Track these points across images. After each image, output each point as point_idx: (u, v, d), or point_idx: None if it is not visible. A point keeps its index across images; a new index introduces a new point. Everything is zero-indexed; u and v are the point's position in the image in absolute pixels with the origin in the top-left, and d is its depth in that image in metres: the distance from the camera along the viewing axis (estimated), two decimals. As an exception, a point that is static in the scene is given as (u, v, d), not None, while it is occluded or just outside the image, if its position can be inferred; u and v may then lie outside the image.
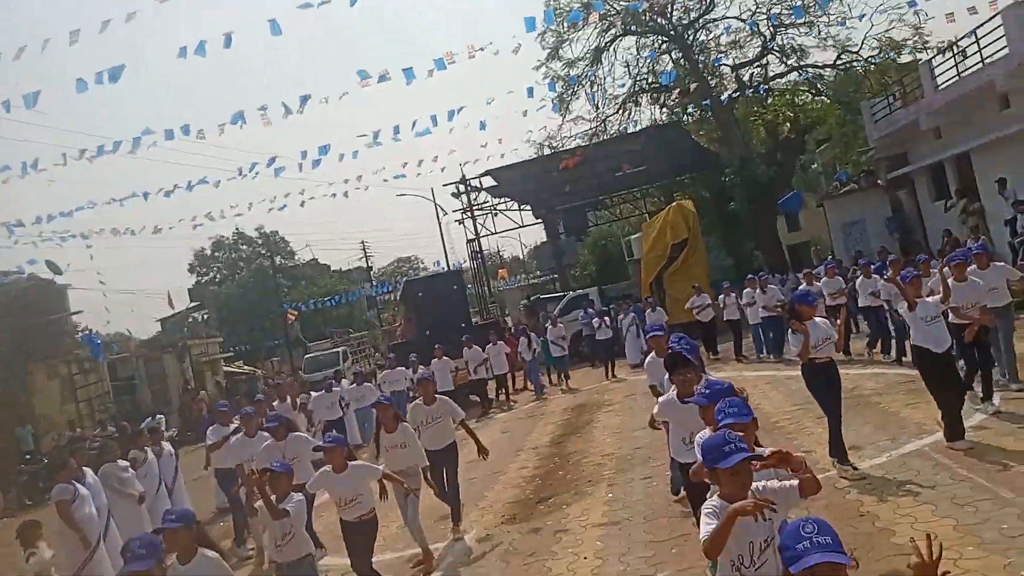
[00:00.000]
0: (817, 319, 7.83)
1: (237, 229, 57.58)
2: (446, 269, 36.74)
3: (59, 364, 26.67)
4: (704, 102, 28.10)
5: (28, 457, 20.49)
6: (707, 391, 4.76)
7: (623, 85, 30.30)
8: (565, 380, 19.13)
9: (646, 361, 8.35)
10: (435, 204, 43.87)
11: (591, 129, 31.29)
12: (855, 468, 7.55)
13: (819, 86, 29.96)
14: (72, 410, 25.47)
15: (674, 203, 24.95)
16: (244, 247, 59.13)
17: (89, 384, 27.61)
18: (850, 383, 11.55)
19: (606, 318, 20.72)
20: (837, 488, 7.23)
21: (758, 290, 15.92)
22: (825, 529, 2.77)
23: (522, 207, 34.17)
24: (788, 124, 29.64)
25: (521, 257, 69.49)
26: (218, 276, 58.70)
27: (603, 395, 16.78)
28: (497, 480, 10.91)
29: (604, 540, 7.34)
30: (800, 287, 8.61)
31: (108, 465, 9.90)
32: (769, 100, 30.22)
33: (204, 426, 12.05)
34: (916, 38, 27.43)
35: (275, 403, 13.68)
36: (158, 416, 12.53)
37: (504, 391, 18.98)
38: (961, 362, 8.67)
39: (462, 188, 29.62)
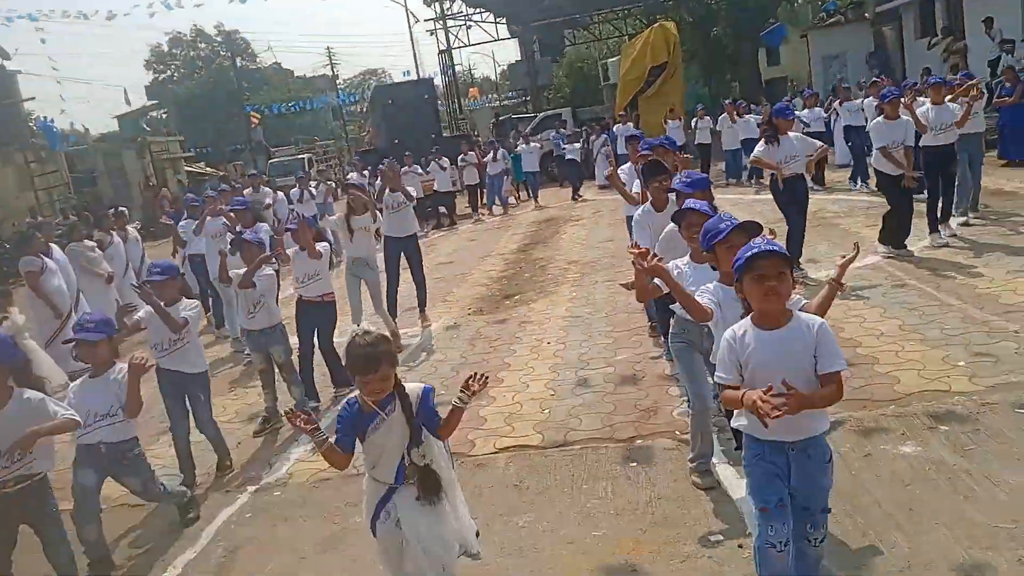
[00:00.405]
0: (791, 134, 7.93)
1: (195, 26, 54.48)
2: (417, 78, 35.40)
3: (13, 152, 25.78)
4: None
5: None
6: (688, 179, 4.75)
7: None
8: (534, 199, 19.14)
9: (622, 168, 8.31)
10: (406, 9, 41.18)
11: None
12: (806, 274, 7.93)
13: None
14: (31, 198, 24.89)
15: (656, 24, 24.10)
16: (203, 45, 56.17)
17: (47, 173, 26.86)
18: (814, 206, 11.77)
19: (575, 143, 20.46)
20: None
21: (734, 116, 15.76)
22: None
23: (498, 20, 32.69)
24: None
25: (493, 78, 67.22)
26: (176, 75, 56.09)
27: (570, 212, 16.92)
28: (464, 280, 11.16)
29: (566, 330, 7.67)
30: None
31: (75, 244, 9.85)
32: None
33: (177, 219, 11.92)
34: None
35: (246, 191, 13.51)
36: (121, 208, 12.33)
37: (473, 202, 18.96)
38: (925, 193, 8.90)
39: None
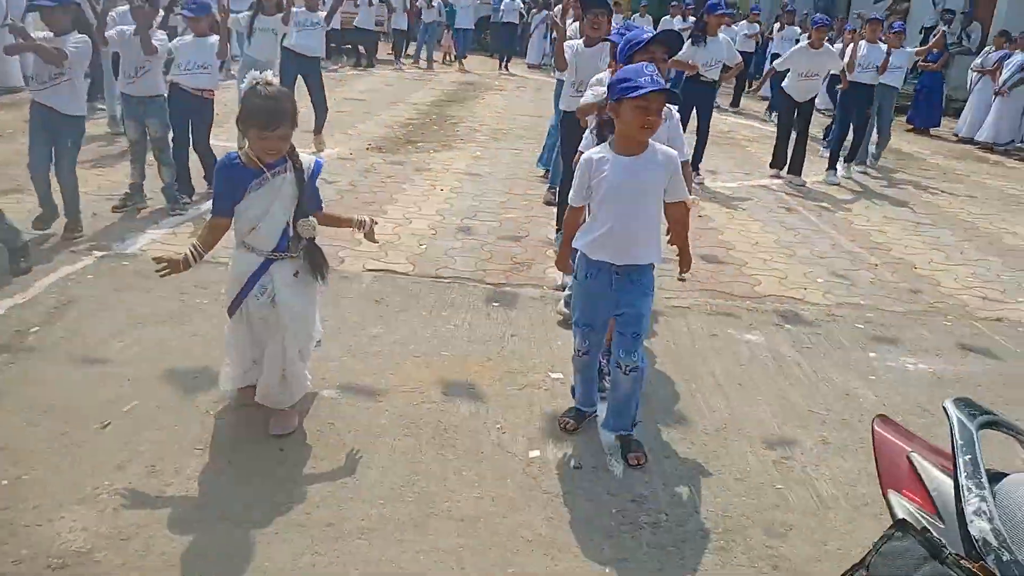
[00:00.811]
0: (720, 36, 7.92)
1: None
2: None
3: None
4: None
5: None
6: (624, 30, 4.57)
7: None
8: (459, 60, 18.45)
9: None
10: None
11: None
12: (703, 181, 8.13)
13: None
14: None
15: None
16: None
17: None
18: (727, 127, 12.01)
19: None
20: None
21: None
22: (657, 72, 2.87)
23: None
24: None
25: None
26: None
27: (494, 81, 16.49)
28: (369, 119, 10.74)
29: (462, 182, 7.55)
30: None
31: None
32: None
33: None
34: None
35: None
36: None
37: (397, 50, 18.07)
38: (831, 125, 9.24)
39: None
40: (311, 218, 2.96)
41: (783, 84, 8.59)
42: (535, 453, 3.16)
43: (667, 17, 16.03)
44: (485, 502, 2.83)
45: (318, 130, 8.49)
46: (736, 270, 5.56)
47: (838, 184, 8.72)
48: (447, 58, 19.34)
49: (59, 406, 3.19)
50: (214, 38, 6.03)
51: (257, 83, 2.80)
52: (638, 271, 3.03)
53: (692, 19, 15.43)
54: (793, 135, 8.61)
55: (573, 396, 3.42)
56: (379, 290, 4.69)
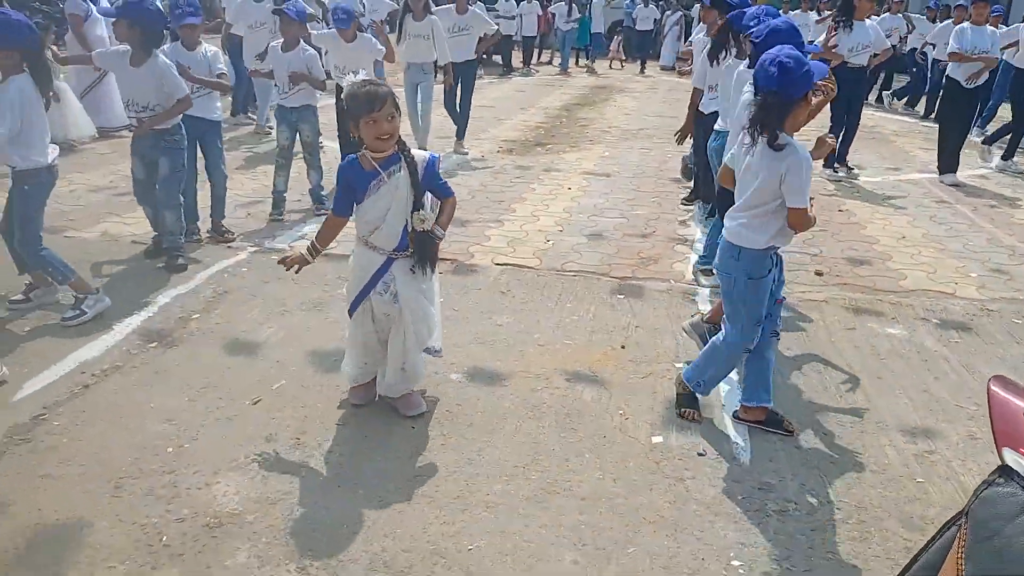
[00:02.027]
0: (867, 22, 7.50)
1: None
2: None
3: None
4: None
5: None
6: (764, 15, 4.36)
7: None
8: (591, 61, 18.47)
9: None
10: None
11: None
12: (857, 176, 7.80)
13: None
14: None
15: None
16: None
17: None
18: (871, 122, 11.39)
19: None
20: (826, 188, 7.41)
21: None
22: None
23: None
24: None
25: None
26: None
27: (626, 83, 16.41)
28: (501, 124, 10.96)
29: (590, 181, 7.58)
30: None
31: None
32: None
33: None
34: None
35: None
36: None
37: (527, 56, 18.35)
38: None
39: None
40: (424, 211, 3.03)
41: (948, 73, 7.91)
42: (658, 439, 3.15)
43: (799, 11, 15.36)
44: (607, 483, 2.85)
45: (460, 136, 8.73)
46: (880, 266, 5.29)
47: (1006, 168, 8.16)
48: (612, 64, 19.39)
49: (216, 384, 3.48)
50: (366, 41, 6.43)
51: (352, 83, 2.94)
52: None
53: (826, 13, 14.81)
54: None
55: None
56: (506, 282, 4.80)
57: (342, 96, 3.00)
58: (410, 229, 3.05)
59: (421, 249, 3.06)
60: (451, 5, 8.43)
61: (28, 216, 3.95)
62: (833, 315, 4.42)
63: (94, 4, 8.66)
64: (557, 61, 18.16)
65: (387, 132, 2.93)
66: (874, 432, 3.23)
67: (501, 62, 17.75)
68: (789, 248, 5.40)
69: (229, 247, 5.28)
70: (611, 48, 19.08)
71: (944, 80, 8.04)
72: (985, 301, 4.69)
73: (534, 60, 18.31)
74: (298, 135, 6.07)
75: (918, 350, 3.99)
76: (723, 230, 3.10)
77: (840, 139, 7.67)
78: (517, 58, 18.49)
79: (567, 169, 8.13)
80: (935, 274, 5.14)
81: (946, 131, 7.91)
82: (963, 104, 7.81)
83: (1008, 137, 8.46)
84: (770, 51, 2.84)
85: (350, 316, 3.23)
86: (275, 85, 6.09)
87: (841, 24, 7.35)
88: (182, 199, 5.02)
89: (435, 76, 8.12)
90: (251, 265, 4.98)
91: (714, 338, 3.25)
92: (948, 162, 7.83)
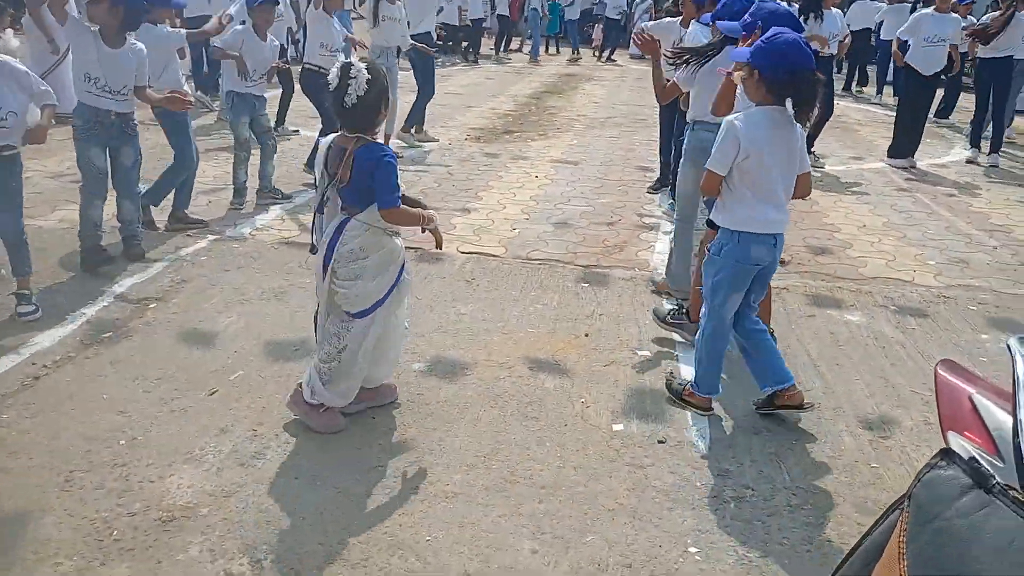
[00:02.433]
0: (833, 10, 7.59)
1: None
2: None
3: None
4: None
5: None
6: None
7: None
8: (573, 51, 18.39)
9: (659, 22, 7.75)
10: None
11: None
12: (823, 164, 7.92)
13: None
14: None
15: None
16: None
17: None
18: (836, 111, 11.49)
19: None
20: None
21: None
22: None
23: None
24: None
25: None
26: None
27: (594, 71, 16.40)
28: (469, 111, 10.90)
29: (556, 169, 7.57)
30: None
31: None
32: None
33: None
34: None
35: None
36: None
37: (499, 43, 18.26)
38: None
39: None
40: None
41: (906, 57, 8.05)
42: (619, 427, 3.15)
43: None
44: (567, 471, 2.85)
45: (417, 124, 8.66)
46: (841, 254, 5.35)
47: (975, 161, 8.33)
48: (596, 53, 19.31)
49: (172, 375, 3.42)
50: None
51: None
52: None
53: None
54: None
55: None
56: (471, 271, 4.78)
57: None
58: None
59: None
60: None
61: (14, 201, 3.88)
62: (794, 303, 4.46)
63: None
64: (527, 49, 18.08)
65: None
66: (831, 418, 3.27)
67: (469, 47, 17.65)
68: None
69: (188, 235, 5.19)
70: (594, 36, 19.06)
71: (904, 68, 8.16)
72: (942, 288, 4.77)
73: (502, 48, 18.22)
74: (257, 123, 5.95)
75: (876, 337, 4.04)
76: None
77: (810, 127, 7.75)
78: (487, 45, 18.41)
79: (535, 157, 8.11)
80: (894, 262, 5.21)
81: (901, 116, 8.10)
82: (919, 91, 7.94)
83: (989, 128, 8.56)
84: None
85: (371, 317, 2.98)
86: (239, 72, 5.78)
87: (812, 15, 7.39)
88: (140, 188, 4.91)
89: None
90: (211, 253, 4.90)
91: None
92: (899, 147, 8.07)
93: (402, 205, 2.90)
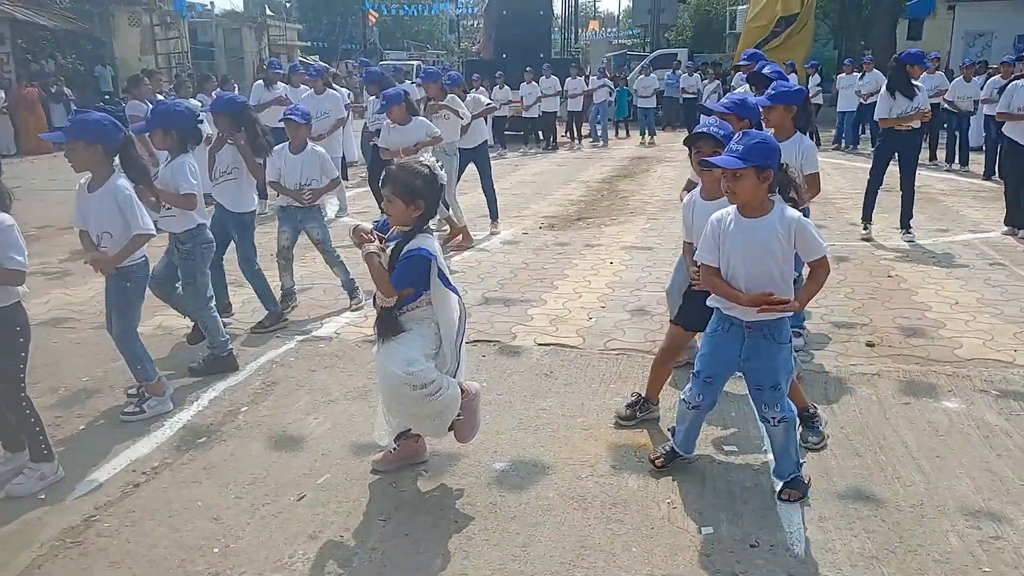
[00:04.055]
0: (916, 82, 7.51)
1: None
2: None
3: (141, 13, 26.83)
4: None
5: (107, 96, 21.22)
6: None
7: None
8: (650, 136, 18.64)
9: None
10: None
11: None
12: (914, 238, 7.80)
13: None
14: (151, 61, 25.85)
15: (794, -28, 22.82)
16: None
17: (169, 39, 27.93)
18: (919, 182, 11.20)
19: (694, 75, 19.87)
20: (874, 254, 7.29)
21: (858, 74, 14.86)
22: (750, 137, 2.99)
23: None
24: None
25: (617, 14, 65.36)
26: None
27: (665, 152, 16.55)
28: (542, 198, 11.11)
29: (631, 254, 7.59)
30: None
31: (180, 99, 10.23)
32: None
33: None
34: None
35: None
36: (226, 74, 12.99)
37: (573, 130, 18.71)
38: None
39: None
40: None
41: (1005, 131, 7.91)
42: (708, 530, 3.06)
43: (843, 76, 15.44)
44: (655, 579, 2.77)
45: (493, 217, 8.82)
46: (933, 334, 5.13)
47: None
48: (616, 134, 19.73)
49: (263, 479, 3.51)
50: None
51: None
52: (771, 324, 3.10)
53: (874, 73, 14.77)
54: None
55: (672, 437, 3.55)
56: (549, 364, 4.79)
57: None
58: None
59: (380, 325, 3.25)
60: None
61: (127, 310, 4.08)
62: (887, 389, 4.29)
63: (151, 105, 9.14)
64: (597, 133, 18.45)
65: (386, 211, 3.19)
66: (935, 516, 3.09)
67: (543, 137, 18.10)
68: (839, 318, 5.38)
69: (278, 337, 5.38)
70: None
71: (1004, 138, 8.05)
72: (1048, 369, 4.51)
73: (574, 134, 18.66)
74: (307, 236, 5.92)
75: (978, 425, 3.83)
76: None
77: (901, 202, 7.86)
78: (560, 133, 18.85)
79: (608, 243, 8.16)
80: (992, 341, 4.97)
81: (1011, 186, 7.95)
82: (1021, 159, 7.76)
83: None
84: None
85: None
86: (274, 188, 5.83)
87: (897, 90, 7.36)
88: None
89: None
90: (299, 355, 5.07)
91: None
92: (1015, 216, 7.85)
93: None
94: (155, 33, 27.14)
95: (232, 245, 5.51)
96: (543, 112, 17.49)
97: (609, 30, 52.63)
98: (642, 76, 19.25)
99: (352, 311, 5.93)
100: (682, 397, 3.38)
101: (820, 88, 16.63)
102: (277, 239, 5.91)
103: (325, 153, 5.93)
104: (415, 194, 3.10)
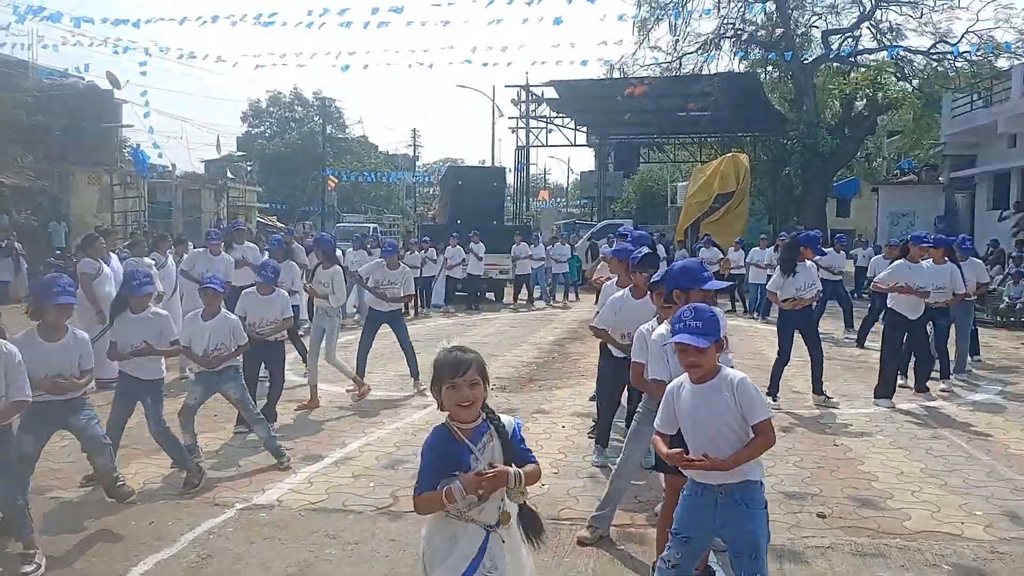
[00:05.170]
0: (808, 262, 8.01)
1: (296, 88, 57.59)
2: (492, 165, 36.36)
3: (102, 173, 27.32)
4: (787, 55, 26.95)
5: (58, 252, 21.17)
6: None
7: (709, 18, 29.36)
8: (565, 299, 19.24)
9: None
10: (493, 102, 41.60)
11: (665, 63, 30.40)
12: (836, 404, 8.07)
13: (906, 71, 28.78)
14: (107, 219, 26.07)
15: (730, 154, 24.58)
16: (299, 108, 59.00)
17: (128, 198, 28.31)
18: (859, 352, 11.63)
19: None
20: (819, 422, 7.42)
21: (770, 248, 15.67)
22: (701, 313, 3.08)
23: (578, 127, 33.78)
24: (865, 101, 28.64)
25: (565, 185, 68.96)
26: (268, 131, 58.74)
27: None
28: (494, 360, 11.17)
29: (583, 419, 7.57)
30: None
31: (134, 259, 10.26)
32: (852, 74, 29.16)
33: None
34: (1020, 43, 26.19)
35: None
36: (181, 234, 13.29)
37: (525, 293, 19.17)
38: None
39: (523, 95, 29.20)
40: (521, 483, 2.79)
41: (890, 305, 8.37)
42: None
43: (756, 249, 16.35)
44: None
45: (414, 375, 8.85)
46: (881, 505, 5.16)
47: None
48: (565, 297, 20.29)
49: (191, 665, 3.25)
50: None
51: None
52: (742, 489, 3.07)
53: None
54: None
55: None
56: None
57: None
58: (504, 501, 2.83)
59: (530, 522, 2.91)
60: (382, 262, 9.03)
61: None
62: (841, 563, 4.25)
63: (105, 263, 9.14)
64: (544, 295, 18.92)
65: (467, 399, 2.75)
66: None
67: (493, 300, 18.49)
68: (789, 487, 5.39)
69: (216, 505, 5.16)
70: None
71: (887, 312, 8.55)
72: (995, 542, 4.54)
73: (524, 295, 19.11)
74: (224, 396, 6.06)
75: (933, 603, 3.80)
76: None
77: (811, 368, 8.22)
78: (508, 294, 19.28)
79: (560, 405, 8.19)
80: (939, 513, 5.01)
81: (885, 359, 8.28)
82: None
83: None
84: None
85: None
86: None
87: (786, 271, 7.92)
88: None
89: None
90: (238, 524, 4.84)
91: None
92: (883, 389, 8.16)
93: (428, 494, 2.75)
94: (114, 192, 27.57)
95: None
96: (469, 274, 17.89)
97: (558, 199, 55.19)
98: (558, 244, 20.04)
99: (282, 469, 5.87)
100: (662, 556, 3.27)
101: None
102: (186, 398, 6.07)
103: (237, 320, 6.19)
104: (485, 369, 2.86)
